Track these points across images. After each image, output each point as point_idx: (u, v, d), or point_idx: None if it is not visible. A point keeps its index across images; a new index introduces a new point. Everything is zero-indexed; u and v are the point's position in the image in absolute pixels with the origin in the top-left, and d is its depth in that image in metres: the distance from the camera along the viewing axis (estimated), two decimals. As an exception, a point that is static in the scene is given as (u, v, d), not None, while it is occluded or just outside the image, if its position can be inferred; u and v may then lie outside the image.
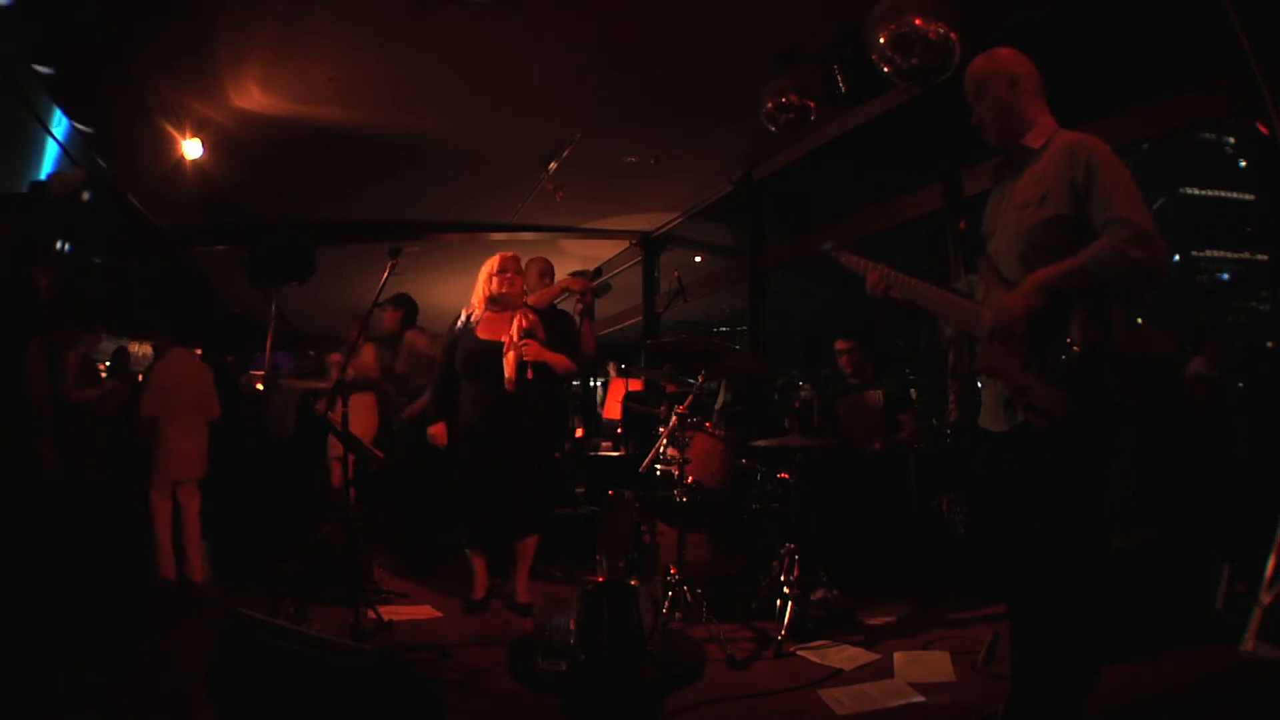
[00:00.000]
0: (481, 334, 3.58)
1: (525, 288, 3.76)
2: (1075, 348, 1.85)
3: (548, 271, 4.39)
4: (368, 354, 5.17)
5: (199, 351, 4.57)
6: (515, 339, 3.47)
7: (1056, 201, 1.92)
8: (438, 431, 3.66)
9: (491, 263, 3.66)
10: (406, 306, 5.20)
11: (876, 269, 2.27)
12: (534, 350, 3.47)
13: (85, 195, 5.00)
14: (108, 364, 6.35)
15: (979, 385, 2.19)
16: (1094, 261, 1.81)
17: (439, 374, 3.75)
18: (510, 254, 3.70)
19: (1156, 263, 1.77)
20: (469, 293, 3.74)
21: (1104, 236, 1.81)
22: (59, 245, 5.20)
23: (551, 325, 3.67)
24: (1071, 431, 1.87)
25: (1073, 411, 1.85)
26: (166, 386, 4.25)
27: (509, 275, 3.61)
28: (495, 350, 3.49)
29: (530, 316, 3.58)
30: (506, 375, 3.44)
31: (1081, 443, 1.88)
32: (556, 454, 4.85)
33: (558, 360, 3.56)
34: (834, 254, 2.44)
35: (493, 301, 3.62)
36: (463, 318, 3.72)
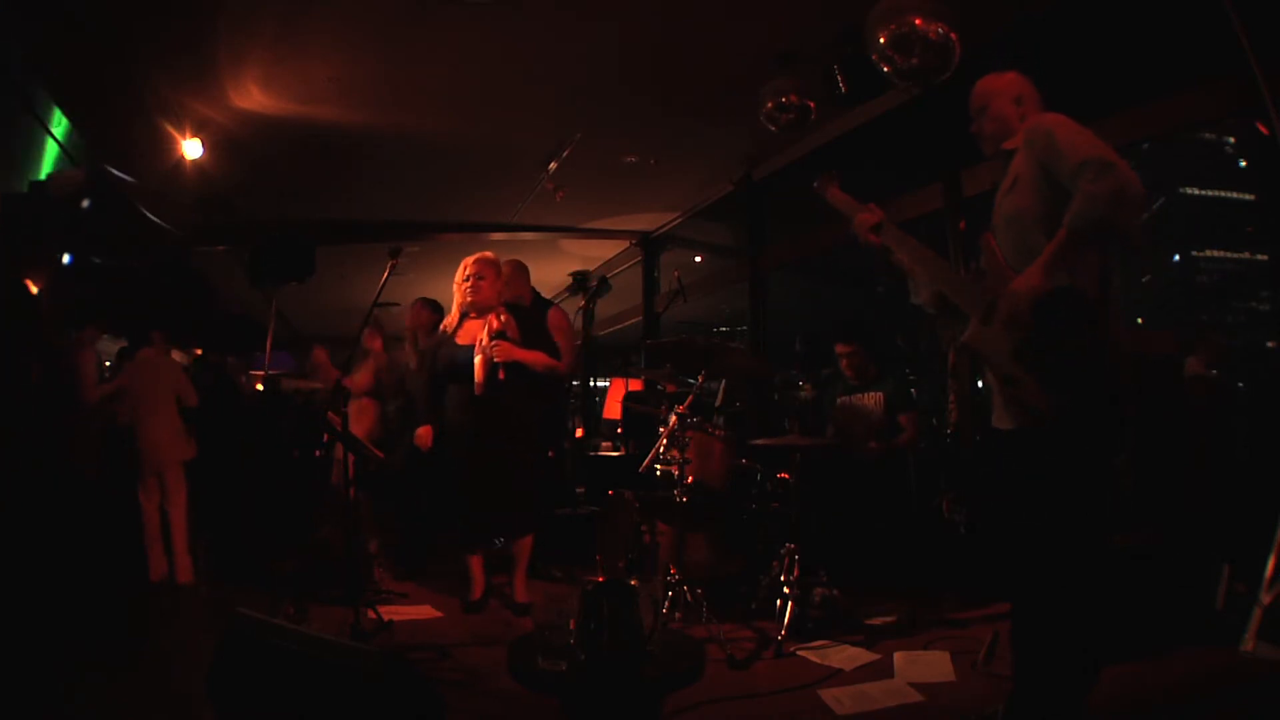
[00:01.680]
0: (460, 339, 3.61)
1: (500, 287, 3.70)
2: (1072, 347, 1.85)
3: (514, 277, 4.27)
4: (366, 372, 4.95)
5: (166, 349, 4.54)
6: (485, 342, 3.47)
7: (1027, 181, 2.01)
8: (423, 434, 3.66)
9: (457, 273, 3.65)
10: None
11: (867, 209, 2.32)
12: (504, 351, 3.45)
13: (85, 195, 5.00)
14: (108, 364, 6.35)
15: (979, 385, 2.19)
16: (1075, 219, 1.83)
17: (424, 379, 3.76)
18: (474, 258, 3.65)
19: (1126, 183, 1.79)
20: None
21: (1075, 190, 1.84)
22: (58, 246, 5.21)
23: (528, 322, 3.66)
24: (1065, 431, 1.87)
25: (1064, 411, 1.85)
26: (137, 392, 4.28)
27: (470, 283, 3.59)
28: (469, 354, 3.51)
29: (503, 317, 3.56)
30: (476, 378, 3.45)
31: (1077, 442, 1.88)
32: (550, 453, 4.84)
33: (534, 358, 3.54)
34: (820, 189, 2.48)
35: (466, 311, 3.63)
36: (443, 324, 3.74)
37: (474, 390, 3.46)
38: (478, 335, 3.53)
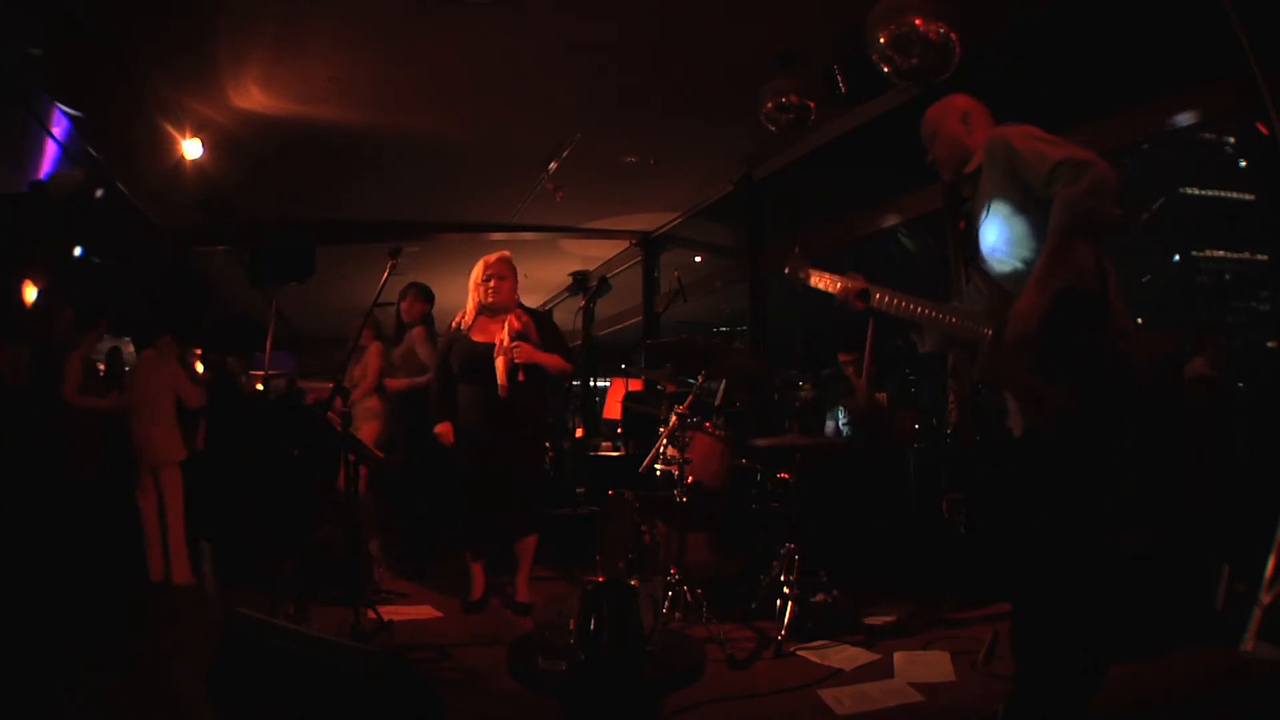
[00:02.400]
0: (476, 337, 3.61)
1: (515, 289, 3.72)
2: (1084, 347, 1.84)
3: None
4: (372, 361, 4.90)
5: (171, 352, 4.54)
6: (506, 342, 3.48)
7: (1001, 199, 1.99)
8: (444, 431, 3.66)
9: (476, 272, 3.66)
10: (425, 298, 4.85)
11: (848, 279, 2.27)
12: (525, 352, 3.48)
13: (85, 196, 5.00)
14: (101, 366, 6.33)
15: (979, 387, 2.19)
16: (1060, 225, 1.81)
17: (438, 376, 3.76)
18: (494, 258, 3.67)
19: (1100, 177, 1.78)
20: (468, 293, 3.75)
21: (1053, 197, 1.82)
22: (57, 246, 5.21)
23: (544, 327, 3.68)
24: (1078, 432, 1.87)
25: (1082, 411, 1.85)
26: (136, 392, 4.30)
27: (492, 284, 3.60)
28: (488, 353, 3.52)
29: (523, 318, 3.59)
30: (499, 380, 3.46)
31: (1086, 443, 1.88)
32: (551, 453, 4.84)
33: (551, 360, 3.58)
34: (794, 273, 2.41)
35: (482, 310, 3.64)
36: (457, 320, 3.74)
37: (493, 391, 3.47)
38: (495, 335, 3.54)
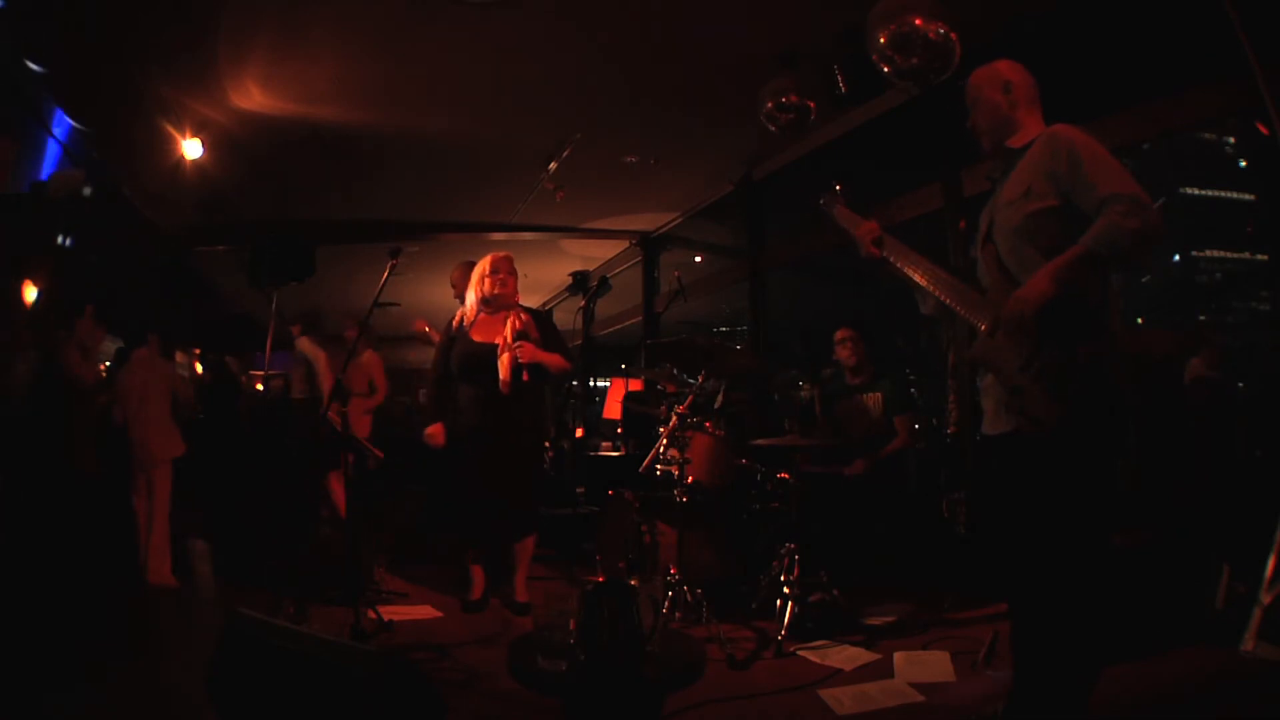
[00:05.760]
0: (476, 336, 3.62)
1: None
2: (1078, 357, 1.84)
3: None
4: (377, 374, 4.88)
5: (161, 351, 4.52)
6: (509, 341, 3.49)
7: (1040, 194, 1.96)
8: (435, 432, 3.67)
9: (484, 264, 3.69)
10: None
11: (868, 223, 2.33)
12: (529, 351, 3.50)
13: (85, 195, 5.00)
14: (108, 364, 6.34)
15: (979, 385, 2.18)
16: (1097, 242, 1.82)
17: (435, 375, 3.77)
18: (503, 254, 3.71)
19: (1153, 226, 1.80)
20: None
21: (1100, 215, 1.83)
22: (58, 246, 5.21)
23: (544, 326, 3.69)
24: (1063, 440, 1.87)
25: (1066, 421, 1.85)
26: (129, 391, 4.29)
27: (501, 276, 3.63)
28: (490, 352, 3.52)
29: (524, 317, 3.61)
30: (501, 377, 3.47)
31: (1074, 450, 1.87)
32: (551, 453, 4.85)
33: (552, 360, 3.59)
34: (827, 207, 2.49)
35: (486, 303, 3.65)
36: (457, 319, 3.74)
37: (493, 390, 3.48)
38: (496, 334, 3.56)
